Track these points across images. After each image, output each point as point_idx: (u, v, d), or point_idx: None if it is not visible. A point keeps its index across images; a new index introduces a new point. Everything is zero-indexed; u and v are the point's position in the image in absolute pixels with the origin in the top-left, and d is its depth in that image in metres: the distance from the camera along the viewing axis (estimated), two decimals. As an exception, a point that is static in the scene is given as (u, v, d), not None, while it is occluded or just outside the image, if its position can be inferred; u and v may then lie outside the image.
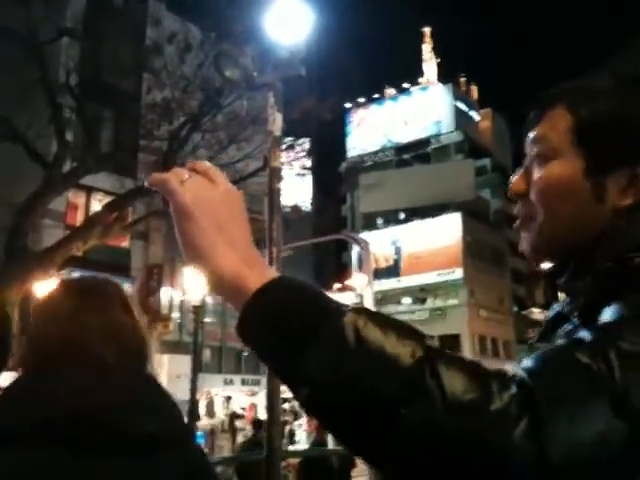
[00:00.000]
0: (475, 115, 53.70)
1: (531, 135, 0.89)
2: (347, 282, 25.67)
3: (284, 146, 16.71)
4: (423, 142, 50.73)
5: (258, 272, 0.69)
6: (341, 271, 43.01)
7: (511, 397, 0.59)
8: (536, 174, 0.86)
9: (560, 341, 0.74)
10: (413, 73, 54.96)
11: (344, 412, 0.62)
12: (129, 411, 1.09)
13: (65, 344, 1.15)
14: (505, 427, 0.58)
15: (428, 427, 0.59)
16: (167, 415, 1.17)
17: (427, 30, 56.58)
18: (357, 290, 29.15)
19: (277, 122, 5.19)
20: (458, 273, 39.42)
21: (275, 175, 5.12)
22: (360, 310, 0.66)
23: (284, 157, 16.84)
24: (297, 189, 27.69)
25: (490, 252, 41.67)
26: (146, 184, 0.73)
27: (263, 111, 17.22)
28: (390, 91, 53.65)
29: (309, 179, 34.60)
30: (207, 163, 0.75)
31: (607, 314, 0.71)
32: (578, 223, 0.81)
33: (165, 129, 13.23)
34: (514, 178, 0.90)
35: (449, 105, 50.77)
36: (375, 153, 50.94)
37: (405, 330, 0.65)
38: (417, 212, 40.51)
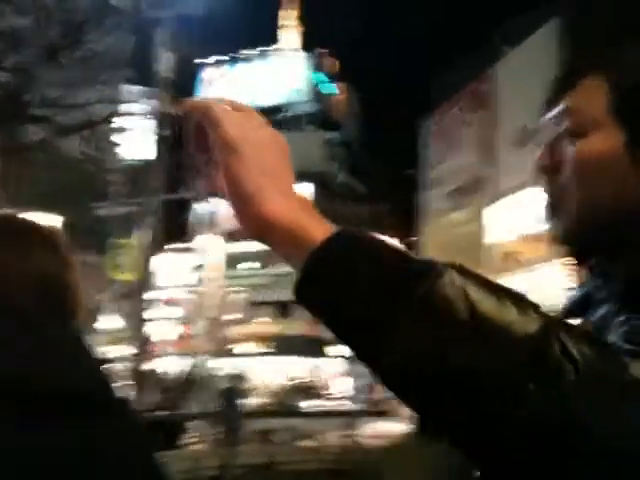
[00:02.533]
0: (330, 88, 54.56)
1: (560, 106, 0.83)
2: (197, 242, 25.26)
3: (136, 96, 15.96)
4: (275, 109, 50.70)
5: (318, 221, 0.61)
6: (184, 230, 42.31)
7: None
8: (572, 148, 0.81)
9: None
10: (272, 38, 54.57)
11: (448, 391, 0.54)
12: (57, 367, 0.96)
13: None
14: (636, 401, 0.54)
15: (561, 402, 0.52)
16: (97, 373, 1.04)
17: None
18: (202, 251, 28.87)
19: (167, 62, 4.81)
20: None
21: (162, 120, 4.75)
22: (459, 268, 0.57)
23: (133, 108, 16.10)
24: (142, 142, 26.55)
25: (338, 224, 42.83)
26: (179, 109, 0.64)
27: (124, 53, 16.41)
28: (247, 52, 52.91)
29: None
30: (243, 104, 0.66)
31: None
32: (619, 200, 0.77)
33: (14, 60, 12.06)
34: (540, 153, 0.85)
35: (306, 74, 51.11)
36: (227, 114, 50.10)
37: (515, 294, 0.57)
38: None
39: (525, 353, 0.53)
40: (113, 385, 1.06)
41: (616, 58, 0.83)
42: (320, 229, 0.60)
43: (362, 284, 0.56)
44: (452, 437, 0.57)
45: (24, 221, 1.09)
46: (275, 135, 0.65)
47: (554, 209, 0.83)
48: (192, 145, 0.65)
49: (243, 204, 0.61)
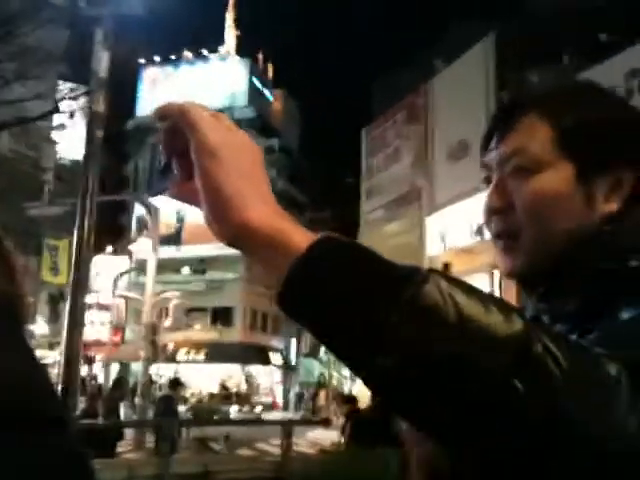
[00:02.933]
0: (268, 94, 54.48)
1: (504, 146, 0.85)
2: (130, 246, 24.75)
3: (71, 94, 15.53)
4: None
5: (299, 227, 0.61)
6: (117, 234, 41.42)
7: (619, 369, 0.57)
8: (522, 188, 0.83)
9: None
10: (215, 40, 54.12)
11: (436, 390, 0.55)
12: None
13: None
14: (622, 395, 0.55)
15: (546, 398, 0.54)
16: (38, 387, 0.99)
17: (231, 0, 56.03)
18: (137, 255, 28.23)
19: (103, 62, 4.73)
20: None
21: (96, 121, 4.65)
22: (441, 273, 0.58)
23: (67, 106, 15.66)
24: (78, 141, 25.88)
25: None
26: (156, 112, 0.63)
27: (59, 48, 15.95)
28: (188, 54, 52.32)
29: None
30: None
31: (626, 313, 0.70)
32: (572, 233, 0.80)
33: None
34: (489, 193, 0.86)
35: (245, 80, 50.90)
36: (166, 116, 49.44)
37: (497, 298, 0.58)
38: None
39: (510, 352, 0.54)
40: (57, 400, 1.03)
41: (550, 95, 0.86)
42: (302, 235, 0.59)
43: (349, 289, 0.56)
44: (439, 436, 0.58)
45: None
46: (249, 140, 0.65)
47: (508, 247, 0.84)
48: (168, 149, 0.64)
49: (222, 209, 0.60)
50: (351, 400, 9.76)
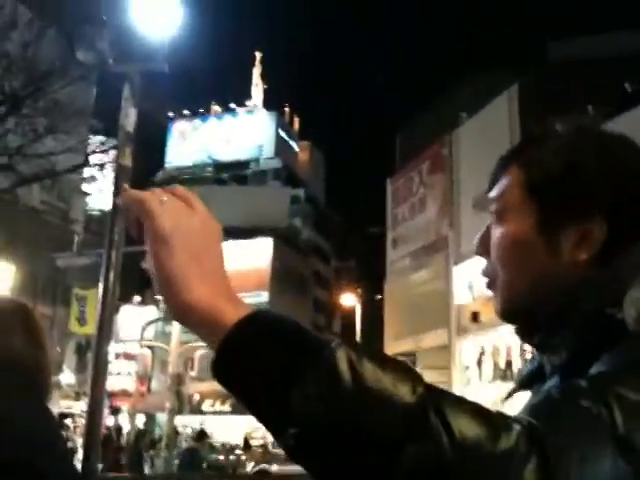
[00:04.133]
0: (295, 145, 55.34)
1: (490, 195, 0.90)
2: (157, 296, 25.05)
3: (101, 147, 15.92)
4: (243, 164, 51.21)
5: (233, 305, 0.66)
6: (143, 284, 41.77)
7: (518, 435, 0.59)
8: (494, 232, 0.87)
9: (554, 389, 0.76)
10: (242, 95, 55.41)
11: (339, 453, 0.59)
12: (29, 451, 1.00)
13: None
14: (514, 465, 0.57)
15: (433, 465, 0.57)
16: (59, 454, 1.10)
17: (258, 55, 57.54)
18: (162, 304, 28.39)
19: (130, 117, 4.83)
20: (264, 297, 39.97)
21: (123, 174, 4.72)
22: (351, 344, 0.63)
23: (97, 158, 16.04)
24: (107, 193, 26.39)
25: (296, 279, 42.83)
26: (118, 201, 0.72)
27: (88, 103, 16.41)
28: (216, 108, 53.59)
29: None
30: (184, 189, 0.72)
31: (599, 365, 0.72)
32: (538, 279, 0.82)
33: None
34: (475, 239, 0.91)
35: (272, 132, 51.89)
36: (194, 167, 50.40)
37: (401, 366, 0.63)
38: (230, 232, 40.39)
39: (403, 418, 0.58)
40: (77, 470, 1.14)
41: (527, 144, 0.89)
42: (234, 312, 0.64)
43: (266, 362, 0.61)
44: None
45: (8, 305, 1.18)
46: (206, 219, 0.69)
47: (490, 287, 0.88)
48: (133, 232, 0.70)
49: (166, 291, 0.65)
50: None
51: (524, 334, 0.87)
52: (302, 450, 0.61)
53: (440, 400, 0.60)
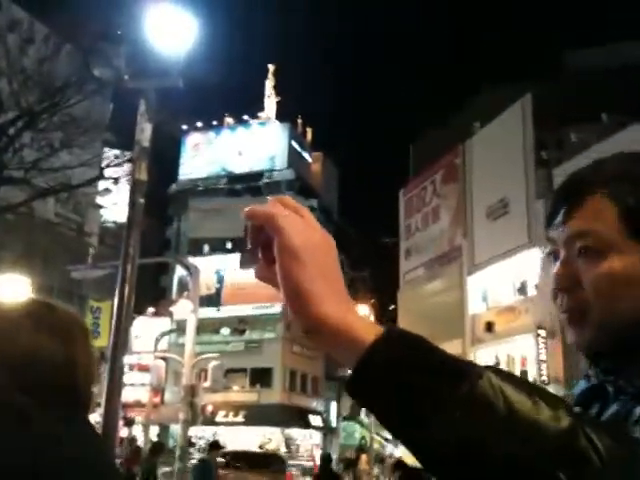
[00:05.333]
0: (307, 156, 55.42)
1: (570, 226, 0.87)
2: (171, 307, 25.12)
3: (116, 161, 16.05)
4: (256, 175, 51.32)
5: (363, 322, 0.68)
6: (157, 295, 41.87)
7: None
8: (590, 269, 0.85)
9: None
10: (255, 107, 55.63)
11: (483, 476, 0.61)
12: (39, 467, 0.90)
13: None
14: None
15: None
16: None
17: (271, 67, 57.79)
18: (176, 316, 28.48)
19: (146, 132, 4.90)
20: (277, 307, 39.91)
21: (138, 188, 4.79)
22: (494, 369, 0.65)
23: (112, 172, 16.17)
24: (122, 206, 26.52)
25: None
26: (245, 215, 0.70)
27: (103, 117, 16.59)
28: (229, 120, 53.83)
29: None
30: (291, 199, 0.72)
31: None
32: (637, 317, 0.82)
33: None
34: (556, 271, 0.89)
35: (285, 143, 52.01)
36: (207, 179, 50.59)
37: (545, 392, 0.65)
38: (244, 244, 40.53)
39: (555, 445, 0.60)
40: None
41: (615, 175, 0.86)
42: (366, 329, 0.66)
43: (407, 383, 0.63)
44: None
45: (69, 315, 1.11)
46: (328, 238, 0.71)
47: (574, 322, 0.87)
48: (253, 241, 0.71)
49: (299, 305, 0.67)
50: (400, 466, 9.62)
51: (597, 356, 0.88)
52: (448, 473, 0.63)
53: (586, 424, 0.62)
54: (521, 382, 0.64)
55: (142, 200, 4.64)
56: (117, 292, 4.51)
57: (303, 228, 0.69)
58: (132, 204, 4.75)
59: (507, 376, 0.64)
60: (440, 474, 0.64)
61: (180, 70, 4.99)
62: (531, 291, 21.88)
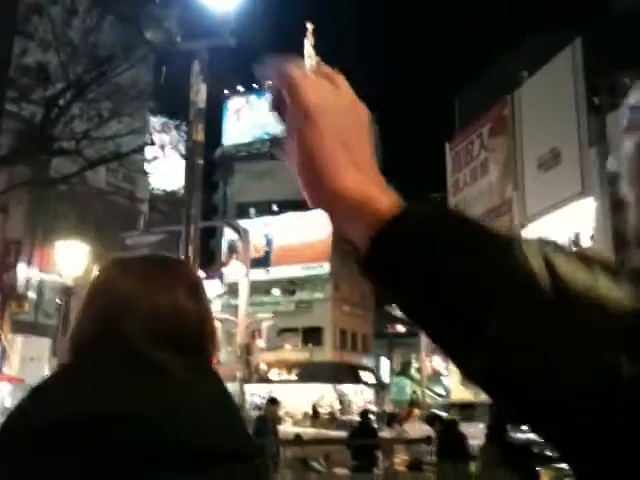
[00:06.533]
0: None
1: None
2: (223, 269, 25.60)
3: (160, 127, 16.18)
4: (298, 137, 51.18)
5: (387, 195, 0.58)
6: (207, 259, 42.56)
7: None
8: None
9: None
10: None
11: (548, 375, 0.49)
12: (181, 415, 0.92)
13: (105, 333, 0.98)
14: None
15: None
16: (229, 424, 1.00)
17: (310, 26, 57.02)
18: (227, 278, 28.91)
19: (201, 93, 4.90)
20: (326, 267, 40.14)
21: (196, 150, 4.82)
22: (549, 242, 0.53)
23: (159, 139, 16.33)
24: (170, 173, 26.85)
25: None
26: (262, 72, 0.63)
27: (148, 85, 16.69)
28: (269, 83, 53.52)
29: (182, 163, 33.72)
30: (328, 68, 0.64)
31: None
32: None
33: (40, 95, 12.28)
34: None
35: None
36: (251, 144, 50.68)
37: (605, 264, 0.53)
38: (290, 205, 40.74)
39: (619, 331, 0.49)
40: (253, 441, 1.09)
41: None
42: (388, 203, 0.57)
43: (433, 258, 0.53)
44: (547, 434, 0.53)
45: (173, 264, 1.12)
46: (354, 102, 0.63)
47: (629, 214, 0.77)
48: (274, 110, 0.64)
49: (313, 174, 0.59)
50: (435, 419, 9.80)
51: None
52: (497, 372, 0.52)
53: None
54: (577, 255, 0.53)
55: (201, 161, 4.66)
56: (182, 253, 4.59)
57: (324, 89, 0.61)
58: (191, 166, 4.78)
59: (565, 250, 0.53)
60: (485, 375, 0.53)
61: (231, 29, 4.96)
62: (585, 242, 21.42)
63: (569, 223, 21.80)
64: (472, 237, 0.54)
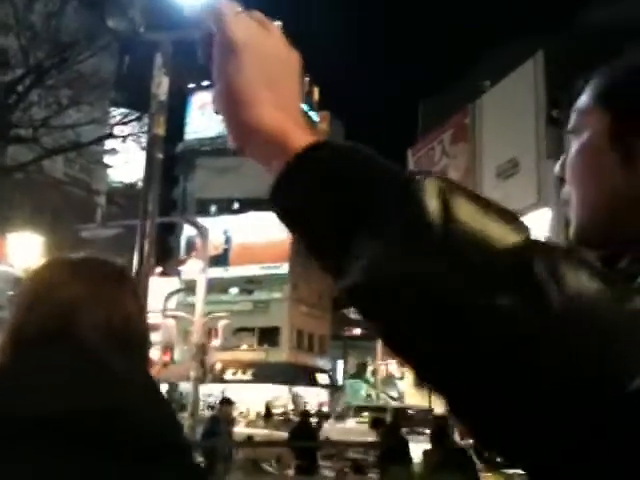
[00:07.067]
0: (314, 116, 54.97)
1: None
2: (180, 267, 25.41)
3: (120, 118, 15.91)
4: (262, 135, 51.11)
5: (304, 131, 0.57)
6: (165, 255, 42.13)
7: None
8: (570, 152, 0.77)
9: None
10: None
11: (410, 305, 0.47)
12: (128, 411, 0.97)
13: (54, 332, 1.00)
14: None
15: (537, 320, 0.45)
16: (167, 420, 1.05)
17: (277, 24, 56.90)
18: (184, 275, 28.65)
19: (163, 86, 4.82)
20: (284, 268, 40.09)
21: (156, 143, 4.73)
22: (442, 177, 0.52)
23: (119, 131, 16.07)
24: (130, 165, 26.47)
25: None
26: (202, 11, 0.62)
27: (111, 75, 16.41)
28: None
29: (142, 156, 33.28)
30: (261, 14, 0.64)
31: None
32: (612, 193, 0.71)
33: (-1, 80, 11.97)
34: (558, 164, 0.81)
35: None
36: (214, 139, 50.35)
37: (502, 208, 0.51)
38: (251, 203, 40.54)
39: (497, 264, 0.47)
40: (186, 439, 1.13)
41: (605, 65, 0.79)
42: (304, 138, 0.56)
43: (333, 193, 0.52)
44: (421, 368, 0.50)
45: (116, 265, 1.15)
46: (285, 47, 0.63)
47: (568, 212, 0.79)
48: (203, 53, 0.63)
49: (231, 105, 0.59)
50: (378, 423, 10.01)
51: (606, 260, 0.72)
52: (373, 299, 0.50)
53: (552, 252, 0.48)
54: (476, 194, 0.51)
55: (160, 155, 4.57)
56: (137, 248, 4.49)
57: (253, 29, 0.61)
58: (150, 159, 4.70)
59: (459, 186, 0.51)
60: (357, 306, 0.51)
61: (197, 22, 4.89)
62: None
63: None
64: (372, 173, 0.53)
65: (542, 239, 0.50)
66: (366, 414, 21.80)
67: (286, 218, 0.56)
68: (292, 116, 0.59)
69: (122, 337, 1.03)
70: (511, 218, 0.50)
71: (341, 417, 32.92)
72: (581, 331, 0.45)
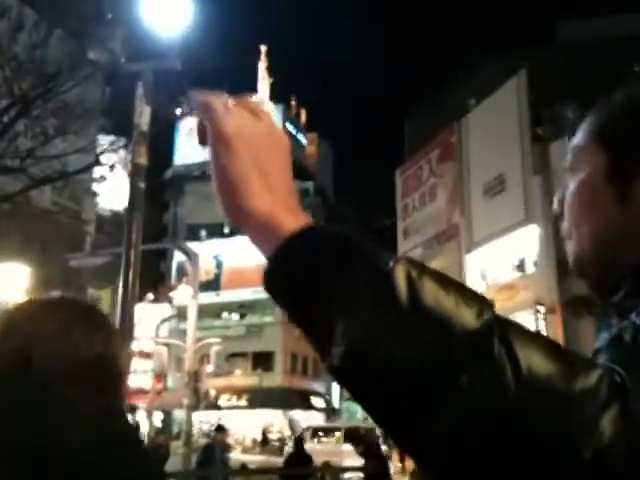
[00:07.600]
0: (302, 138, 55.23)
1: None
2: (171, 293, 25.27)
3: (108, 146, 15.92)
4: (251, 159, 51.16)
5: (295, 217, 0.62)
6: (157, 281, 41.94)
7: (598, 378, 0.52)
8: (568, 190, 0.80)
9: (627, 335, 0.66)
10: (248, 89, 55.31)
11: (386, 379, 0.53)
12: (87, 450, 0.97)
13: (20, 367, 1.01)
14: (592, 409, 0.50)
15: (491, 400, 0.50)
16: (134, 459, 1.05)
17: (263, 48, 57.33)
18: (176, 301, 28.44)
19: (145, 116, 4.83)
20: (276, 291, 39.96)
21: (138, 173, 4.73)
22: (412, 261, 0.57)
23: (107, 159, 16.05)
24: (118, 193, 26.45)
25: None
26: (190, 102, 0.66)
27: (96, 103, 16.45)
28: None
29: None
30: (252, 100, 0.69)
31: None
32: (609, 229, 0.75)
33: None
34: (555, 199, 0.84)
35: (279, 125, 51.74)
36: (203, 164, 50.43)
37: (468, 290, 0.56)
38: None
39: (458, 344, 0.52)
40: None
41: (602, 101, 0.81)
42: (293, 223, 0.60)
43: (316, 275, 0.57)
44: (390, 431, 0.56)
45: (87, 304, 1.20)
46: (272, 129, 0.67)
47: (567, 249, 0.82)
48: (199, 139, 0.67)
49: (226, 194, 0.63)
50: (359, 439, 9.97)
51: (603, 293, 0.77)
52: (346, 373, 0.55)
53: (508, 329, 0.53)
54: (442, 276, 0.56)
55: (143, 185, 4.58)
56: (122, 278, 4.47)
57: (243, 119, 0.65)
58: (133, 189, 4.70)
59: (427, 268, 0.57)
60: (341, 379, 0.56)
61: (177, 52, 4.92)
62: (530, 268, 21.89)
63: (514, 249, 22.27)
64: (348, 254, 0.57)
65: (503, 316, 0.55)
66: (322, 434, 22.30)
67: (276, 299, 0.61)
68: (282, 198, 0.63)
69: (86, 373, 1.03)
70: (474, 299, 0.55)
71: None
72: (536, 411, 0.50)
